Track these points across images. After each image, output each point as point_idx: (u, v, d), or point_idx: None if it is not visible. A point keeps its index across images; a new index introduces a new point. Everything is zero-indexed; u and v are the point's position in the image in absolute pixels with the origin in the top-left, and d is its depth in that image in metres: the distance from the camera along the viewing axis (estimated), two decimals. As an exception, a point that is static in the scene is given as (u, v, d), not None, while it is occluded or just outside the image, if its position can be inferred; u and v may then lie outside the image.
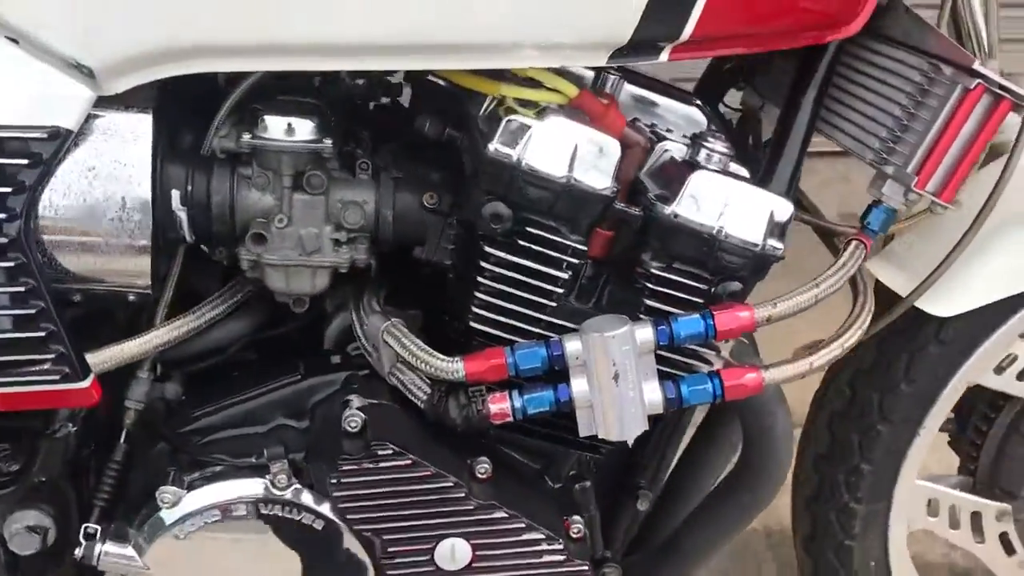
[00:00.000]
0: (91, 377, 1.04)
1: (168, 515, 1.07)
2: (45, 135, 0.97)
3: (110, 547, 1.07)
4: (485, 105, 1.04)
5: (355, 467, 0.98)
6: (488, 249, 0.99)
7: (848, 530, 1.51)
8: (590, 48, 0.96)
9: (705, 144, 1.06)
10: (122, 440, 1.15)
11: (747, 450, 1.19)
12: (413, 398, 1.05)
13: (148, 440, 1.15)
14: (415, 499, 0.99)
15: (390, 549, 1.00)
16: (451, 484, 0.99)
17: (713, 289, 1.04)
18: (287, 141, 1.03)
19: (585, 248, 1.01)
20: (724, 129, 1.18)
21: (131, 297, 1.08)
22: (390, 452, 0.97)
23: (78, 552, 1.09)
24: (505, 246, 1.00)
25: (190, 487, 1.07)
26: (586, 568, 1.03)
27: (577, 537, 1.07)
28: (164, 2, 0.94)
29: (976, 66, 1.04)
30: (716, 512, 1.24)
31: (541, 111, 0.99)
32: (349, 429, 1.01)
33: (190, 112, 1.09)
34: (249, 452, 1.10)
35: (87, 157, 1.01)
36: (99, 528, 1.10)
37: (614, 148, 0.98)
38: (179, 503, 1.06)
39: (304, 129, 1.04)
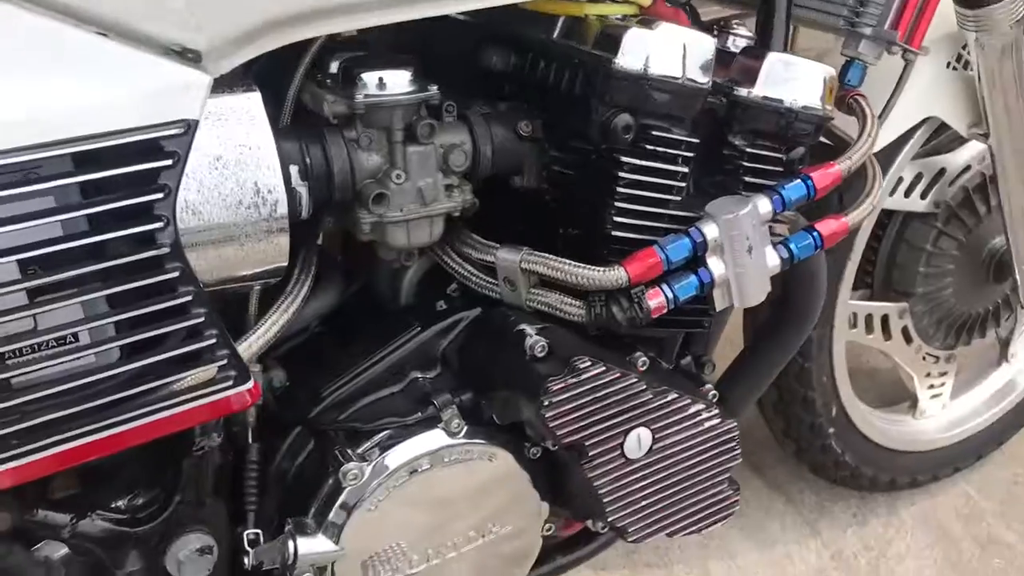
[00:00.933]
0: (252, 377, 1.00)
1: (354, 492, 1.06)
2: (178, 130, 0.89)
3: (304, 543, 1.04)
4: (560, 27, 1.09)
5: (563, 385, 1.02)
6: (623, 159, 1.06)
7: (807, 355, 1.75)
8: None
9: (732, 32, 1.19)
10: (250, 439, 1.10)
11: (790, 289, 1.35)
12: (565, 315, 1.10)
13: (280, 431, 1.11)
14: (610, 401, 1.06)
15: (590, 453, 1.06)
16: (634, 380, 1.07)
17: (786, 157, 1.17)
18: (402, 95, 1.02)
19: (696, 140, 1.10)
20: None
21: (256, 286, 1.03)
22: (588, 364, 1.03)
23: (249, 560, 1.05)
24: (634, 154, 1.07)
25: (367, 459, 1.06)
26: (734, 424, 1.16)
27: (716, 401, 1.19)
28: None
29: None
30: (762, 354, 1.39)
31: (640, 21, 1.06)
32: (537, 355, 1.05)
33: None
34: (402, 411, 1.10)
35: (210, 147, 0.95)
36: (259, 532, 1.06)
37: (710, 44, 1.07)
38: (363, 477, 1.05)
39: (404, 80, 1.04)
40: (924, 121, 1.63)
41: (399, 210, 1.06)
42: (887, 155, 1.63)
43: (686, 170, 1.10)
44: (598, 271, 1.06)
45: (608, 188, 1.07)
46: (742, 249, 1.09)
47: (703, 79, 1.08)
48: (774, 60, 1.13)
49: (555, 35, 1.10)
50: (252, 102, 0.97)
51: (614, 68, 1.02)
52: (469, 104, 1.12)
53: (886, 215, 1.86)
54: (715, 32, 1.23)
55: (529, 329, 1.07)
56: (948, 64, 1.61)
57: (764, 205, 1.11)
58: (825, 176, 1.13)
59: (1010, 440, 2.19)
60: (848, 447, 1.90)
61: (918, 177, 1.78)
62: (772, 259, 1.13)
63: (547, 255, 1.08)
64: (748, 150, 1.14)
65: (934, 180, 1.80)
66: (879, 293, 1.92)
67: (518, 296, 1.11)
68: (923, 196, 1.80)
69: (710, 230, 1.09)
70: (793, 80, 1.14)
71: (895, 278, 1.89)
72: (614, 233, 1.08)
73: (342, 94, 1.02)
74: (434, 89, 1.04)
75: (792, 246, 1.14)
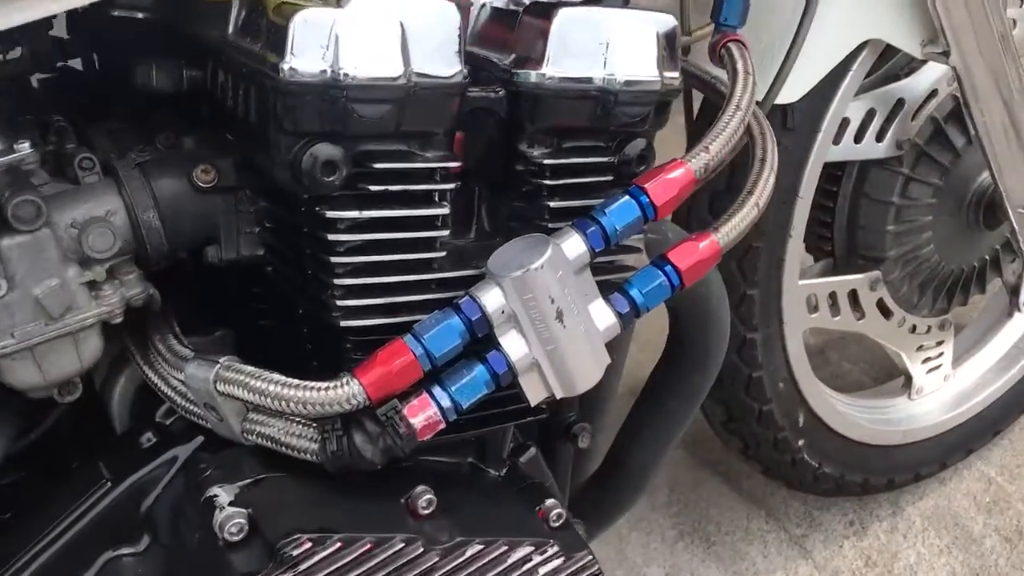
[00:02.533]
0: None
1: None
2: None
3: None
4: (234, 18, 0.71)
5: (269, 587, 0.65)
6: (331, 214, 0.68)
7: (752, 363, 1.37)
8: None
9: (525, -19, 0.79)
10: None
11: (682, 327, 0.98)
12: (296, 453, 0.73)
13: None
14: (367, 585, 0.69)
15: None
16: (402, 544, 0.70)
17: (617, 158, 0.79)
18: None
19: (455, 164, 0.71)
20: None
21: None
22: (308, 547, 0.66)
23: None
24: (351, 202, 0.68)
25: None
26: (591, 557, 0.79)
27: (559, 523, 0.81)
28: None
29: None
30: (661, 409, 1.03)
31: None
32: (233, 539, 0.68)
33: None
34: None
35: None
36: None
37: (451, 14, 0.68)
38: None
39: (-28, 141, 0.66)
40: (863, 46, 1.22)
41: (9, 336, 0.69)
42: (820, 96, 1.23)
43: (445, 211, 0.71)
44: (318, 389, 0.69)
45: (323, 257, 0.69)
46: (547, 317, 0.71)
47: (449, 68, 0.69)
48: (566, 19, 0.73)
49: (229, 31, 0.71)
50: None
51: (281, 78, 0.64)
52: (121, 150, 0.74)
53: (836, 167, 1.46)
54: (503, -17, 0.83)
55: (222, 494, 0.70)
56: (884, -30, 1.20)
57: (573, 246, 0.72)
58: (667, 185, 0.74)
59: (1035, 404, 1.79)
60: (826, 457, 1.53)
61: (870, 115, 1.38)
62: (603, 319, 0.75)
63: (250, 369, 0.71)
64: (546, 162, 0.75)
65: (891, 115, 1.39)
66: (844, 262, 1.52)
67: (229, 428, 0.75)
68: (879, 138, 1.40)
69: (491, 298, 0.71)
70: (610, 44, 0.74)
71: (860, 242, 1.50)
72: (343, 323, 0.71)
73: None
74: (25, 147, 0.67)
75: (634, 293, 0.76)
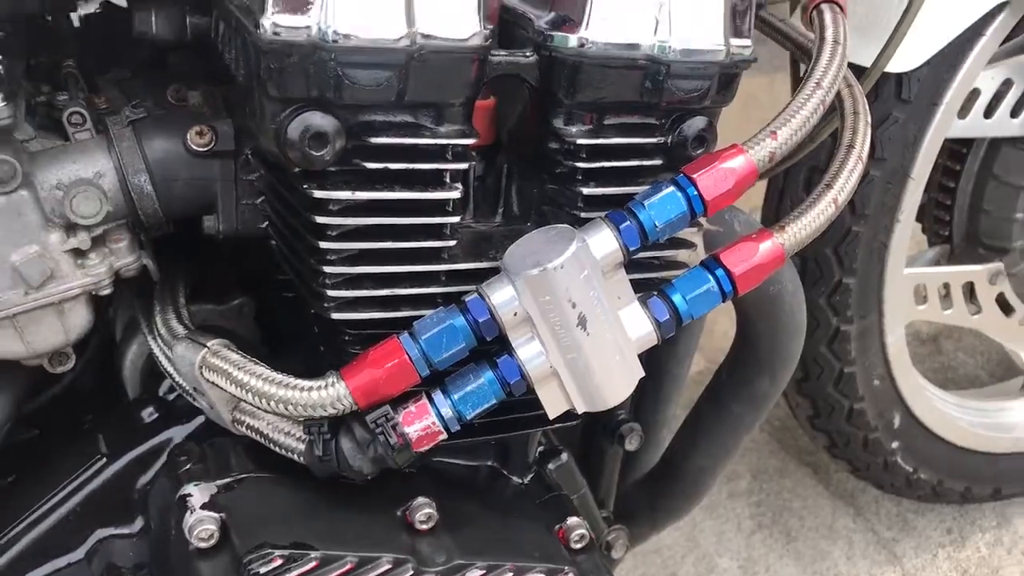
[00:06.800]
0: None
1: None
2: None
3: None
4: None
5: (233, 607, 0.59)
6: (319, 194, 0.59)
7: (844, 357, 1.24)
8: None
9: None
10: None
11: (750, 326, 0.87)
12: (283, 451, 0.66)
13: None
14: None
15: None
16: (388, 566, 0.62)
17: (670, 139, 0.67)
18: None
19: (470, 140, 0.62)
20: None
21: None
22: (279, 563, 0.59)
23: None
24: (344, 180, 0.60)
25: None
26: (614, 585, 0.70)
27: (582, 545, 0.72)
28: None
29: None
30: (723, 413, 0.92)
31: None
32: (202, 545, 0.62)
33: None
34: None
35: None
36: None
37: (471, -33, 0.58)
38: None
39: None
40: (1002, 6, 1.06)
41: (-16, 307, 0.64)
42: (945, 63, 1.08)
43: (456, 194, 0.62)
44: (301, 388, 0.61)
45: (313, 241, 0.61)
46: (568, 321, 0.61)
47: (464, 29, 0.59)
48: (614, -26, 0.62)
49: (226, -27, 0.63)
50: None
51: (262, 35, 0.55)
52: (114, 106, 0.68)
53: (962, 144, 1.30)
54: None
55: (196, 494, 0.63)
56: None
57: (603, 242, 0.62)
58: (720, 175, 0.62)
59: None
60: (924, 462, 1.40)
61: (1006, 85, 1.21)
62: (637, 327, 0.65)
63: (237, 358, 0.64)
64: (582, 141, 0.64)
65: (1031, 88, 1.22)
66: (964, 252, 1.36)
67: (218, 416, 0.68)
68: (1014, 113, 1.23)
69: (502, 296, 0.61)
70: (656, 3, 0.63)
71: (983, 229, 1.34)
72: (335, 315, 0.63)
73: None
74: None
75: (677, 298, 0.65)
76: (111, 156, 0.67)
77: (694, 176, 0.63)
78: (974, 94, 1.19)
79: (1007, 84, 1.21)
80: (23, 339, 0.67)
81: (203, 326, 0.74)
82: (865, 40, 0.93)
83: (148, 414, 0.77)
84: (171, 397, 0.77)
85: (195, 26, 0.69)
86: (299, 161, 0.59)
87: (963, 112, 1.19)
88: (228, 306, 0.81)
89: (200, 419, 0.75)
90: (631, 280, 0.65)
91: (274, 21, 0.55)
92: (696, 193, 0.63)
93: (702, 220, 0.69)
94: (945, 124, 1.13)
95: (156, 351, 0.74)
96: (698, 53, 0.64)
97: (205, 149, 0.67)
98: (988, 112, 1.22)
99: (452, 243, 0.63)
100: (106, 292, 0.69)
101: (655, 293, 0.66)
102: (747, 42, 0.67)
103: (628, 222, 0.62)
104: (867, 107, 0.75)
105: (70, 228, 0.66)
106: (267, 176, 0.67)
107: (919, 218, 1.37)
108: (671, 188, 0.63)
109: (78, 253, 0.67)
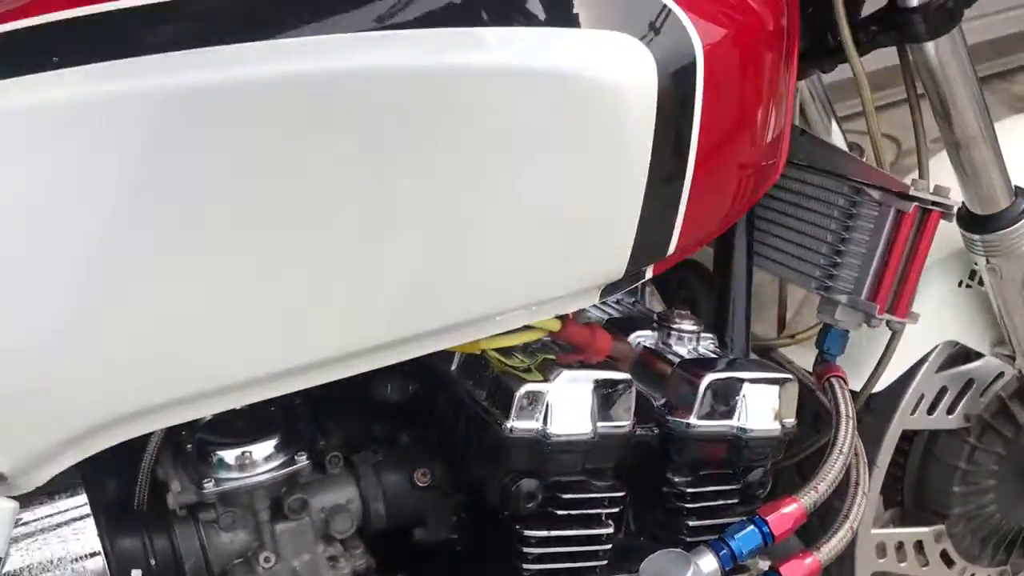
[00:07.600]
0: None
1: None
2: None
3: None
4: (456, 359, 0.93)
5: None
6: (527, 533, 0.89)
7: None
8: (582, 293, 0.88)
9: (673, 326, 1.01)
10: None
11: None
12: None
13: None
14: None
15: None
16: None
17: (742, 483, 0.99)
18: (263, 473, 0.87)
19: (622, 493, 0.93)
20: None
21: None
22: None
23: None
24: (543, 522, 0.90)
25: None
26: None
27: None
28: (90, 371, 0.75)
29: (912, 192, 1.05)
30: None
31: (539, 363, 0.89)
32: None
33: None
34: None
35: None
36: None
37: (628, 383, 0.90)
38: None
39: (265, 454, 0.89)
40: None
41: (269, 599, 0.91)
42: (901, 381, 1.43)
43: (610, 530, 0.92)
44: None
45: (515, 561, 0.90)
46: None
47: (623, 422, 0.91)
48: (714, 381, 0.95)
49: (453, 368, 0.94)
50: (77, 506, 0.83)
51: (504, 432, 0.86)
52: (356, 447, 0.97)
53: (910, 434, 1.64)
54: (655, 326, 1.05)
55: None
56: (960, 283, 1.42)
57: (709, 565, 0.92)
58: (783, 519, 0.94)
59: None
60: None
61: (942, 392, 1.56)
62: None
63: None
64: (689, 490, 0.96)
65: (961, 393, 1.58)
66: (912, 514, 1.69)
67: None
68: (950, 411, 1.57)
69: (642, 602, 0.91)
70: (739, 401, 0.96)
71: (927, 498, 1.66)
72: (526, 578, 0.91)
73: (192, 477, 0.87)
74: (303, 459, 0.89)
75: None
76: (359, 487, 0.95)
77: (768, 518, 0.94)
78: (921, 397, 1.54)
79: (943, 390, 1.57)
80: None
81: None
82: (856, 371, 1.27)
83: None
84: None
85: (414, 392, 0.99)
86: (513, 509, 0.88)
87: (913, 411, 1.54)
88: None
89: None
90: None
91: (514, 424, 0.86)
92: (768, 530, 0.94)
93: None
94: (901, 423, 1.47)
95: None
96: (764, 431, 0.97)
97: (425, 485, 0.96)
98: (930, 410, 1.57)
99: (604, 563, 0.93)
100: (349, 575, 0.95)
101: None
102: (793, 419, 0.99)
103: (724, 550, 0.93)
104: (865, 455, 1.08)
105: (328, 539, 0.94)
106: (466, 500, 0.96)
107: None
108: (752, 527, 0.94)
109: (332, 560, 0.94)
